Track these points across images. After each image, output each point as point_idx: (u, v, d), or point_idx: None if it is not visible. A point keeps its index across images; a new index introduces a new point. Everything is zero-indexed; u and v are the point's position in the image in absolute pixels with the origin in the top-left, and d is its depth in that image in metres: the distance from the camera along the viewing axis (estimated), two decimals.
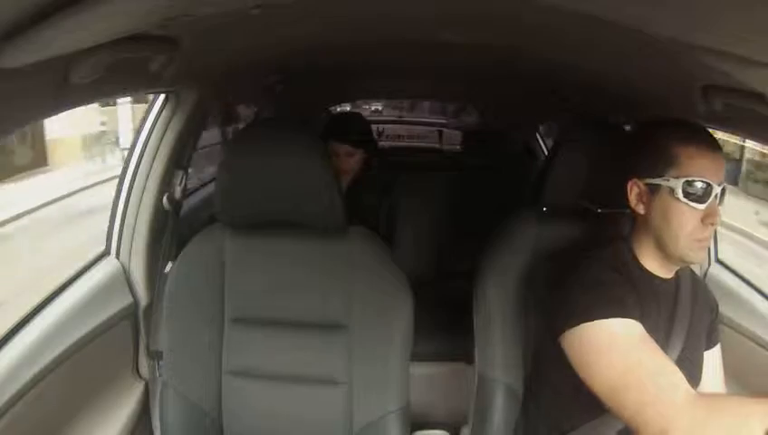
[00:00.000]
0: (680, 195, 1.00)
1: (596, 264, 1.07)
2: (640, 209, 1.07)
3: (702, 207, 1.00)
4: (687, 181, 1.00)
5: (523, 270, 1.31)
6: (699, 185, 1.00)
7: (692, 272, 1.18)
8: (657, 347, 0.96)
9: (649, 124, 1.11)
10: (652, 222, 1.06)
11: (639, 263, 1.09)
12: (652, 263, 1.09)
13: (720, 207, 1.03)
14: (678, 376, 0.93)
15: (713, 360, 1.19)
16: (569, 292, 1.04)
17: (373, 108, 5.66)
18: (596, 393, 0.98)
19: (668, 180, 1.02)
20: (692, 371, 1.12)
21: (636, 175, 1.07)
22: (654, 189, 1.04)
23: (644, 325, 1.00)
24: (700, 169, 1.00)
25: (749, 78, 0.77)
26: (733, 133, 1.24)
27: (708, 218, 1.00)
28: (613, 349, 0.96)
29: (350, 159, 1.95)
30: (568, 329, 1.00)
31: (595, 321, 0.97)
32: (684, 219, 1.01)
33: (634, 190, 1.07)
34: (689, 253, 1.03)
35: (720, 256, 1.67)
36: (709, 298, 1.20)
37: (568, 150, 1.32)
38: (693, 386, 1.12)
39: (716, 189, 1.00)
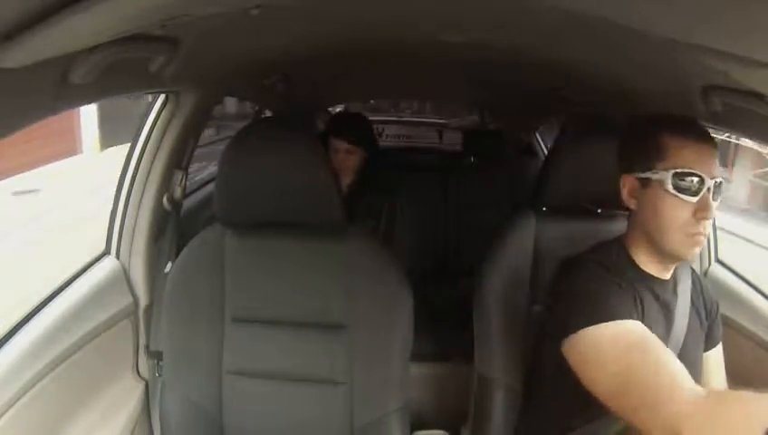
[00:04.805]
0: (670, 187, 0.99)
1: (593, 269, 1.06)
2: (632, 205, 1.07)
3: (693, 199, 0.98)
4: (677, 173, 0.98)
5: (522, 270, 1.31)
6: (690, 177, 0.98)
7: (693, 272, 1.17)
8: (662, 345, 0.94)
9: (640, 119, 1.10)
10: (643, 217, 1.05)
11: (635, 264, 1.08)
12: (647, 263, 1.08)
13: (715, 203, 1.00)
14: (684, 373, 0.89)
15: (714, 360, 1.18)
16: (567, 298, 1.03)
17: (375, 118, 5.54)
18: (601, 398, 0.95)
19: (658, 173, 1.00)
20: (690, 372, 1.12)
21: (627, 170, 1.06)
22: (645, 183, 1.03)
23: None
24: (690, 161, 0.98)
25: (749, 78, 0.77)
26: (733, 133, 1.24)
27: (700, 213, 0.98)
28: (614, 353, 0.94)
29: (351, 158, 1.96)
30: (567, 336, 0.99)
31: (594, 326, 0.96)
32: (675, 213, 0.99)
33: (626, 186, 1.07)
34: (681, 248, 1.01)
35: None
36: (709, 298, 1.19)
37: (568, 150, 1.32)
38: None
39: (708, 182, 0.98)
